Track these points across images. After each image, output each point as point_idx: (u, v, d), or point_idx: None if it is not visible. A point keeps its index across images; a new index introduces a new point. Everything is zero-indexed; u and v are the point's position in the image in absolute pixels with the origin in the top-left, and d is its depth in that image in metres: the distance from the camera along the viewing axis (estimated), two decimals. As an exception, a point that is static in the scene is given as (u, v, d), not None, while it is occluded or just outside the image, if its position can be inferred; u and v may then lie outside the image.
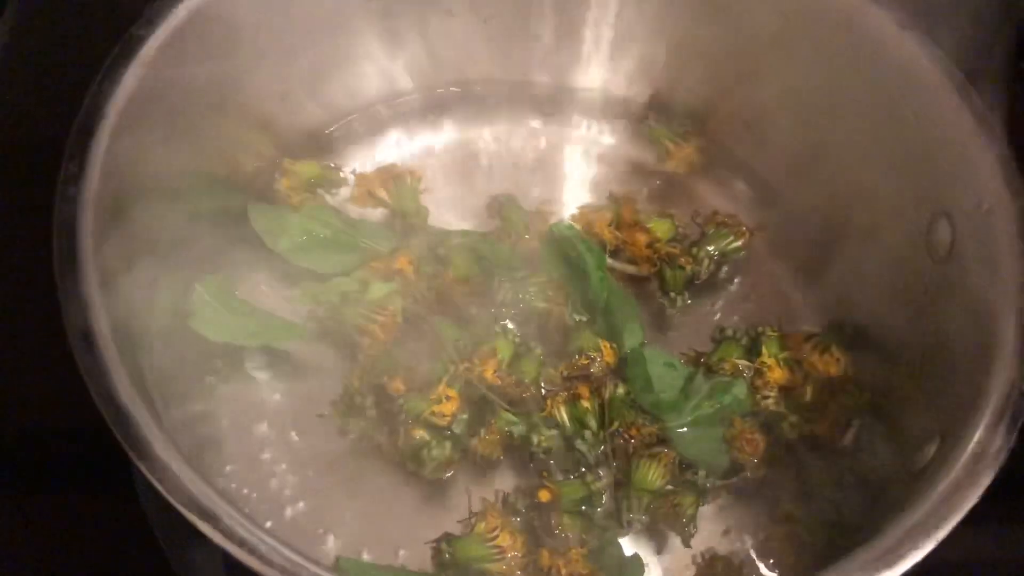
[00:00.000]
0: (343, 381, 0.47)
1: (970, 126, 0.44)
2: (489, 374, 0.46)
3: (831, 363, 0.48)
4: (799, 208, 0.54)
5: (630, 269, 0.52)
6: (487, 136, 0.57)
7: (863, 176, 0.50)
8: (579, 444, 0.46)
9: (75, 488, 0.47)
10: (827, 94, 0.50)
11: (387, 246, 0.51)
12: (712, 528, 0.46)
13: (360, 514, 0.45)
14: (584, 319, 0.49)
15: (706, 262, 0.52)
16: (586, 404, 0.46)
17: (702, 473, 0.46)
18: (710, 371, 0.48)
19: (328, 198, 0.53)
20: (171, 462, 0.34)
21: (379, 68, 0.56)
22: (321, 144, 0.55)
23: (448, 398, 0.45)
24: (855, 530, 0.43)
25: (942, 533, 0.34)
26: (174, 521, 0.39)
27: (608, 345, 0.48)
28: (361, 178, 0.53)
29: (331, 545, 0.44)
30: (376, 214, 0.53)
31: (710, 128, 0.56)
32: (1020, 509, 0.47)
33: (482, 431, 0.45)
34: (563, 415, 0.46)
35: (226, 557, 0.33)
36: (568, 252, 0.51)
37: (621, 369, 0.48)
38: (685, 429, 0.47)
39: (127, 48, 0.43)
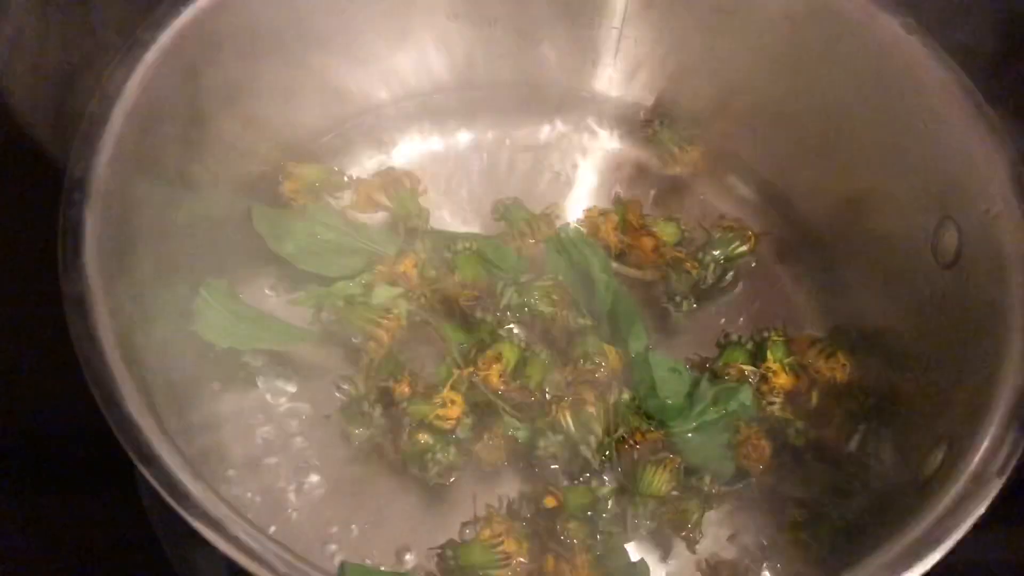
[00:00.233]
0: (347, 386, 0.47)
1: (978, 131, 0.44)
2: (494, 379, 0.46)
3: (837, 368, 0.48)
4: (805, 213, 0.54)
5: (635, 273, 0.52)
6: (492, 139, 0.57)
7: (870, 181, 0.50)
8: (584, 450, 0.45)
9: (78, 490, 0.47)
10: (834, 99, 0.50)
11: (392, 249, 0.51)
12: (718, 534, 0.46)
13: (364, 519, 0.45)
14: (589, 323, 0.49)
15: (712, 267, 0.52)
16: (591, 409, 0.46)
17: (707, 479, 0.45)
18: (715, 376, 0.48)
19: (332, 201, 0.53)
20: (176, 469, 0.33)
21: (385, 71, 0.55)
22: (326, 147, 0.55)
23: (452, 402, 0.44)
24: (861, 536, 0.43)
25: (949, 543, 0.34)
26: (177, 523, 0.39)
27: (613, 350, 0.48)
28: (360, 183, 0.53)
29: (335, 550, 0.44)
30: (380, 217, 0.53)
31: (715, 132, 0.56)
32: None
33: (486, 436, 0.45)
34: (568, 420, 0.46)
35: (229, 560, 0.33)
36: (573, 256, 0.51)
37: (626, 374, 0.48)
38: (690, 435, 0.47)
39: (132, 51, 0.43)
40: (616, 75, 0.58)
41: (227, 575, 0.41)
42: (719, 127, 0.56)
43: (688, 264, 0.51)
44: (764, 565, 0.45)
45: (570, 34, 0.56)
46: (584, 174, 0.57)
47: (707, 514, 0.45)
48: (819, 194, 0.53)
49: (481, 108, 0.58)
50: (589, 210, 0.54)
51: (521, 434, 0.45)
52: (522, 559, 0.42)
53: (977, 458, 0.36)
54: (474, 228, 0.53)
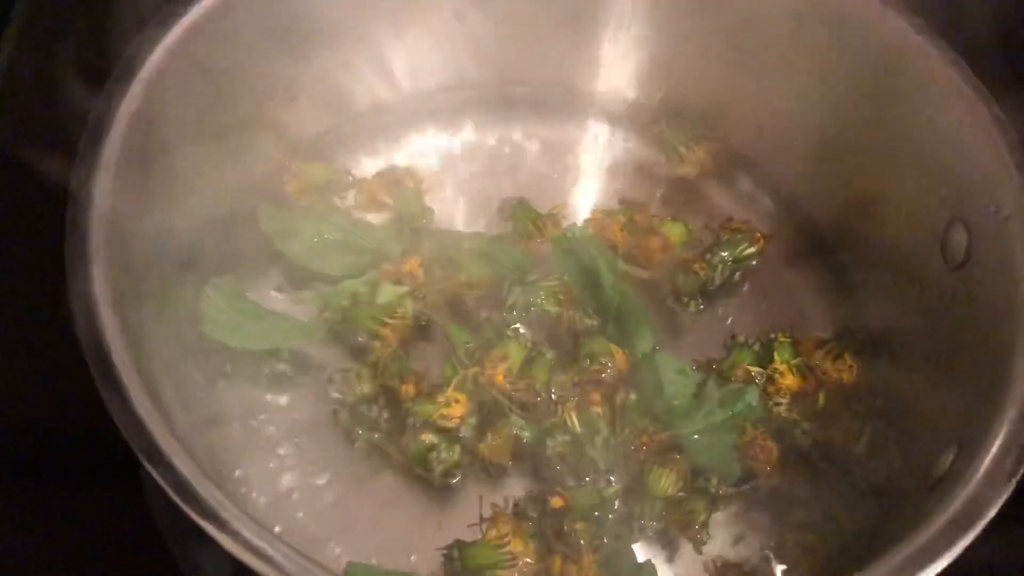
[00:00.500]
0: (352, 385, 0.46)
1: (988, 131, 0.43)
2: (500, 379, 0.46)
3: (844, 370, 0.48)
4: (812, 214, 0.54)
5: (643, 274, 0.52)
6: (499, 139, 0.57)
7: (878, 181, 0.50)
8: (590, 450, 0.45)
9: (82, 488, 0.46)
10: (841, 99, 0.50)
11: (398, 248, 0.51)
12: (725, 535, 0.46)
13: (370, 519, 0.45)
14: (596, 324, 0.49)
15: (719, 268, 0.51)
16: (597, 410, 0.46)
17: (714, 480, 0.45)
18: (722, 378, 0.48)
19: (337, 201, 0.53)
20: (183, 468, 0.33)
21: (391, 69, 0.55)
22: (331, 146, 0.55)
23: (456, 401, 0.44)
24: (869, 539, 0.42)
25: (960, 546, 0.34)
26: (182, 522, 0.39)
27: (620, 351, 0.48)
28: (362, 183, 0.53)
29: (340, 550, 0.44)
30: (385, 217, 0.53)
31: (723, 132, 0.56)
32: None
33: (490, 435, 0.45)
34: (574, 421, 0.46)
35: (234, 559, 0.33)
36: (580, 256, 0.51)
37: (633, 375, 0.48)
38: (697, 436, 0.47)
39: (138, 52, 0.43)
40: (623, 74, 0.57)
41: (232, 574, 0.41)
42: (727, 127, 0.56)
43: (695, 265, 0.51)
44: (771, 566, 0.45)
45: (576, 33, 0.56)
46: (590, 174, 0.57)
47: (714, 515, 0.45)
48: (827, 195, 0.53)
49: (487, 107, 0.57)
50: (596, 210, 0.54)
51: (526, 434, 0.45)
52: (528, 559, 0.42)
53: (988, 460, 0.36)
54: (480, 228, 0.53)
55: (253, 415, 0.47)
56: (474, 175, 0.56)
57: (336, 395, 0.46)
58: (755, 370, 0.48)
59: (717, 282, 0.52)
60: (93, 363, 0.35)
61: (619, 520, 0.45)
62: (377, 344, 0.47)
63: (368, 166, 0.55)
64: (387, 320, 0.47)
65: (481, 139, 0.57)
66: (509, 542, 0.42)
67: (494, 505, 0.44)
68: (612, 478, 0.45)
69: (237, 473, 0.45)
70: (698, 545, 0.44)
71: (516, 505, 0.45)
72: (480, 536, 0.43)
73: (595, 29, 0.56)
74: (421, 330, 0.49)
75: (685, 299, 0.51)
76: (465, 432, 0.45)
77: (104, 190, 0.39)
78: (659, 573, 0.44)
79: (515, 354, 0.47)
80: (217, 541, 0.33)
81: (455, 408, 0.44)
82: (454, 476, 0.45)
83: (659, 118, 0.57)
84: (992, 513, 0.35)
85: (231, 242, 0.49)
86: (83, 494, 0.46)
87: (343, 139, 0.56)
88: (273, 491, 0.45)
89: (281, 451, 0.46)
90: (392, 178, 0.53)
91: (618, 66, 0.57)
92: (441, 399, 0.44)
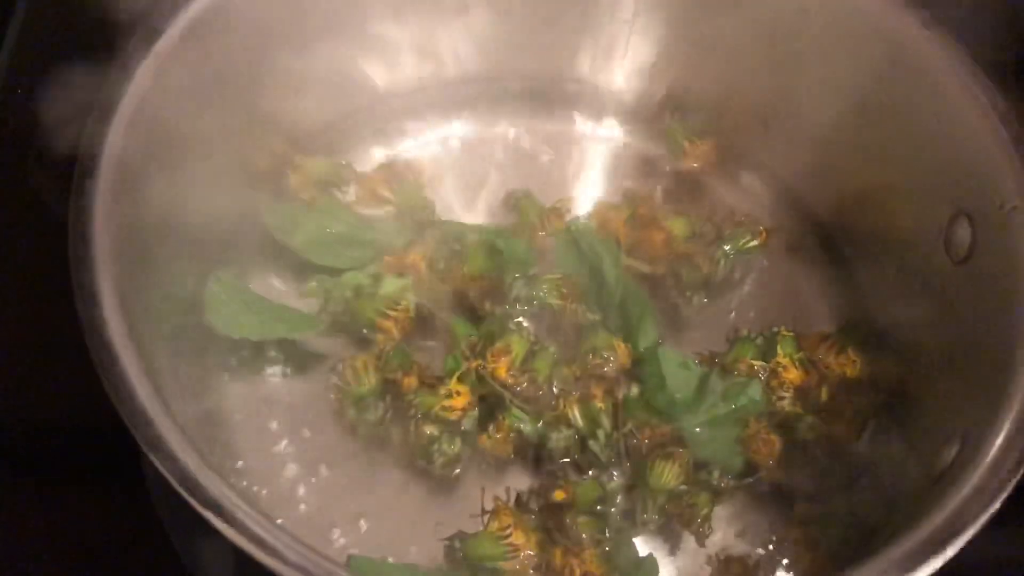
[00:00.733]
0: (354, 378, 0.46)
1: (992, 125, 0.43)
2: (502, 372, 0.45)
3: (847, 364, 0.48)
4: (816, 206, 0.54)
5: (646, 268, 0.52)
6: (502, 132, 0.57)
7: (882, 175, 0.50)
8: (592, 444, 0.45)
9: (85, 482, 0.47)
10: (846, 92, 0.50)
11: (401, 242, 0.51)
12: (727, 529, 0.46)
13: (372, 511, 0.45)
14: (598, 318, 0.49)
15: (722, 262, 0.51)
16: (599, 404, 0.46)
17: (717, 473, 0.45)
18: (725, 371, 0.48)
19: (338, 194, 0.53)
20: (186, 458, 0.33)
21: (394, 62, 0.55)
22: (334, 140, 0.55)
23: (458, 393, 0.44)
24: (872, 532, 0.42)
25: (964, 538, 0.34)
26: (184, 515, 0.39)
27: (622, 345, 0.48)
28: (363, 178, 0.53)
29: (342, 542, 0.44)
30: (388, 210, 0.53)
31: (726, 126, 0.56)
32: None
33: (492, 428, 0.45)
34: (576, 415, 0.46)
35: (236, 551, 0.33)
36: (584, 250, 0.50)
37: (635, 369, 0.48)
38: (699, 429, 0.47)
39: (142, 41, 0.43)
40: (627, 68, 0.57)
41: (234, 567, 0.41)
42: (730, 121, 0.55)
43: (698, 258, 0.51)
44: (774, 560, 0.45)
45: (581, 27, 0.56)
46: (594, 167, 0.57)
47: (716, 509, 0.45)
48: (830, 189, 0.53)
49: (491, 101, 0.57)
50: (599, 204, 0.54)
51: (528, 428, 0.45)
52: (530, 552, 0.42)
53: (992, 453, 0.36)
54: (484, 221, 0.53)
55: (255, 407, 0.47)
56: (476, 169, 0.56)
57: (338, 387, 0.46)
58: (758, 364, 0.48)
59: (720, 276, 0.52)
60: (96, 354, 0.35)
61: (621, 513, 0.45)
62: (379, 336, 0.47)
63: (369, 160, 0.55)
64: (389, 312, 0.47)
65: (484, 133, 0.57)
66: (511, 534, 0.42)
67: (496, 497, 0.44)
68: (614, 472, 0.45)
69: (239, 465, 0.45)
70: (700, 538, 0.44)
71: (518, 497, 0.45)
72: (482, 528, 0.43)
73: (599, 23, 0.56)
74: (423, 323, 0.49)
75: (688, 292, 0.51)
76: (467, 424, 0.44)
77: (108, 182, 0.39)
78: (661, 566, 0.44)
79: (518, 347, 0.46)
80: (220, 531, 0.33)
81: (457, 400, 0.44)
82: (456, 468, 0.45)
83: (663, 112, 0.57)
84: (996, 505, 0.34)
85: (234, 235, 0.49)
86: (86, 489, 0.46)
87: (345, 133, 0.56)
88: (275, 483, 0.45)
89: (283, 443, 0.46)
90: (393, 172, 0.53)
91: (622, 60, 0.57)
92: (443, 391, 0.44)
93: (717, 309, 0.52)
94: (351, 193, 0.53)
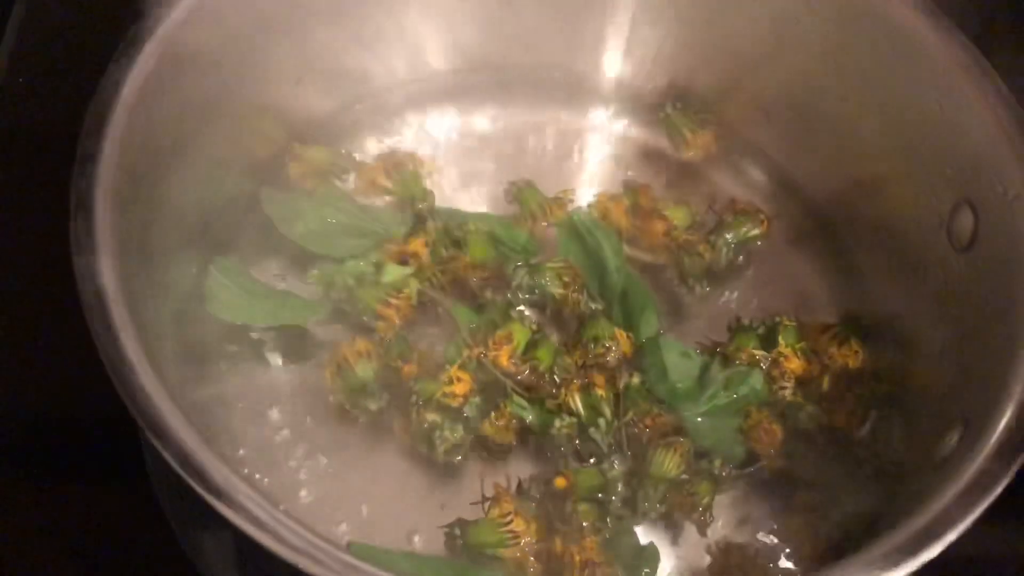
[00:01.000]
0: (355, 365, 0.46)
1: (995, 112, 0.43)
2: (504, 360, 0.45)
3: (849, 355, 0.48)
4: (818, 196, 0.54)
5: (647, 257, 0.52)
6: (503, 122, 0.57)
7: (884, 163, 0.50)
8: (593, 433, 0.45)
9: (87, 473, 0.47)
10: (847, 81, 0.50)
11: (402, 231, 0.51)
12: (728, 518, 0.46)
13: (373, 499, 0.45)
14: (600, 307, 0.49)
15: (724, 250, 0.51)
16: (601, 392, 0.46)
17: (718, 462, 0.45)
18: (726, 361, 0.48)
19: (338, 184, 0.52)
20: (188, 442, 0.33)
21: (393, 52, 0.55)
22: (334, 129, 0.55)
23: (459, 379, 0.44)
24: (873, 521, 0.42)
25: (967, 522, 0.34)
26: (186, 505, 0.39)
27: (624, 334, 0.48)
28: (362, 168, 0.52)
29: (344, 530, 0.44)
30: (388, 200, 0.53)
31: (728, 116, 0.56)
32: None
33: (493, 415, 0.45)
34: (577, 403, 0.46)
35: (237, 541, 0.32)
36: (585, 240, 0.50)
37: (637, 358, 0.48)
38: (700, 419, 0.47)
39: (144, 27, 0.43)
40: (628, 58, 0.57)
41: (236, 556, 0.41)
42: (732, 110, 0.55)
43: (700, 248, 0.51)
44: (775, 549, 0.45)
45: (582, 16, 0.56)
46: (595, 157, 0.57)
47: (718, 498, 0.45)
48: (832, 177, 0.53)
49: (492, 90, 0.57)
50: (600, 194, 0.53)
51: (527, 414, 0.45)
52: (531, 539, 0.42)
53: (994, 438, 0.36)
54: (485, 210, 0.53)
55: (256, 396, 0.47)
56: (477, 159, 0.56)
57: (339, 375, 0.46)
58: (759, 353, 0.48)
59: (722, 264, 0.52)
60: (98, 338, 0.35)
61: (622, 502, 0.44)
62: (380, 324, 0.47)
63: (370, 149, 0.55)
64: (391, 300, 0.47)
65: (484, 123, 0.57)
66: (511, 521, 0.42)
67: (497, 485, 0.44)
68: (615, 461, 0.45)
69: (240, 453, 0.45)
70: (702, 528, 0.44)
71: (519, 485, 0.45)
72: (482, 515, 0.43)
73: (600, 13, 0.56)
74: (425, 311, 0.49)
75: (689, 282, 0.51)
76: (468, 411, 0.44)
77: (108, 167, 0.39)
78: (662, 555, 0.44)
79: (519, 336, 0.46)
80: (222, 515, 0.33)
81: (458, 386, 0.44)
82: (458, 455, 0.45)
83: (665, 102, 0.56)
84: (999, 489, 0.34)
85: (235, 224, 0.49)
86: (87, 479, 0.46)
87: (345, 122, 0.55)
88: (277, 471, 0.45)
89: (284, 431, 0.46)
90: (393, 161, 0.53)
91: (623, 50, 0.57)
92: (444, 377, 0.44)
93: (718, 298, 0.52)
94: (351, 182, 0.53)
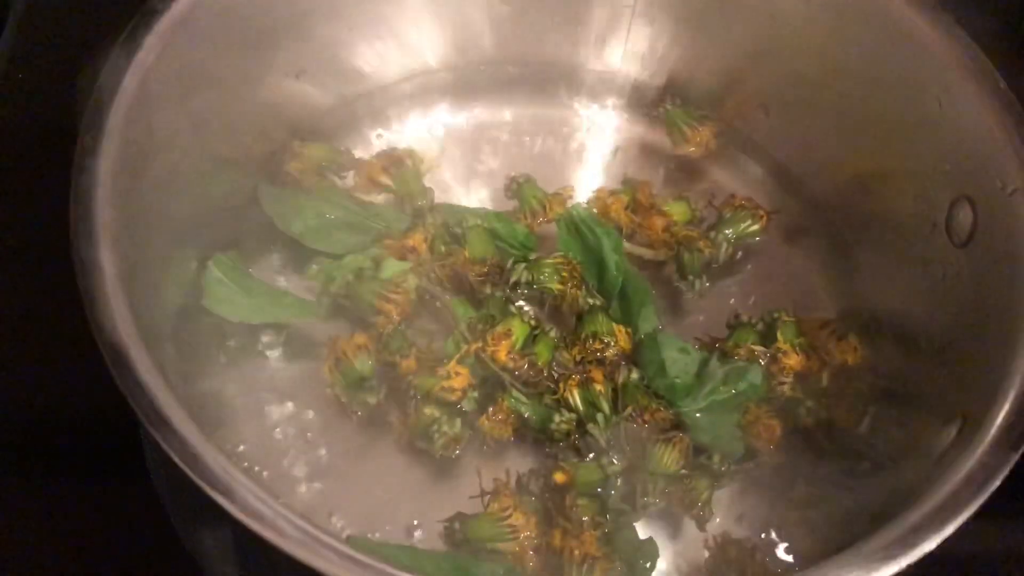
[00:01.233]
0: (354, 360, 0.46)
1: (994, 108, 0.43)
2: (502, 355, 0.46)
3: (848, 351, 0.48)
4: (816, 192, 0.54)
5: (646, 253, 0.52)
6: (503, 118, 0.57)
7: (883, 159, 0.50)
8: (592, 428, 0.45)
9: (87, 469, 0.47)
10: (847, 77, 0.50)
11: (400, 227, 0.51)
12: (727, 513, 0.46)
13: (372, 493, 0.45)
14: (599, 303, 0.49)
15: (724, 246, 0.51)
16: (599, 388, 0.46)
17: (717, 457, 0.45)
18: (725, 356, 0.48)
19: (337, 181, 0.52)
20: (188, 434, 0.33)
21: (394, 48, 0.55)
22: (333, 126, 0.55)
23: (458, 374, 0.44)
24: (871, 516, 0.42)
25: (965, 516, 0.34)
26: (186, 499, 0.39)
27: (622, 330, 0.48)
28: (361, 164, 0.52)
29: (342, 524, 0.44)
30: (386, 197, 0.53)
31: (726, 112, 0.56)
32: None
33: (491, 410, 0.45)
34: (576, 399, 0.46)
35: (236, 535, 0.33)
36: (585, 235, 0.50)
37: (635, 354, 0.48)
38: (699, 414, 0.47)
39: (144, 21, 0.43)
40: (628, 53, 0.57)
41: (235, 550, 0.42)
42: (731, 106, 0.56)
43: (699, 243, 0.51)
44: (773, 544, 0.45)
45: (581, 13, 0.56)
46: (595, 153, 0.57)
47: (716, 493, 0.45)
48: (831, 173, 0.53)
49: (492, 86, 0.57)
50: (599, 190, 0.54)
51: (525, 409, 0.45)
52: (530, 533, 0.42)
53: (992, 433, 0.36)
54: (484, 206, 0.53)
55: (255, 390, 0.47)
56: (476, 155, 0.56)
57: (338, 369, 0.46)
58: (758, 349, 0.48)
59: (721, 260, 0.52)
60: (98, 332, 0.35)
61: (621, 497, 0.44)
62: (379, 319, 0.47)
63: (370, 146, 0.55)
64: (390, 295, 0.47)
65: (483, 119, 0.57)
66: (511, 516, 0.42)
67: (496, 479, 0.44)
68: (614, 456, 0.45)
69: (240, 448, 0.45)
70: (700, 522, 0.44)
71: (519, 479, 0.45)
72: (482, 509, 0.43)
73: (600, 9, 0.56)
74: (424, 307, 0.49)
75: (688, 277, 0.51)
76: (467, 406, 0.44)
77: (108, 165, 0.39)
78: (661, 550, 0.44)
79: (518, 331, 0.46)
80: (223, 509, 0.33)
81: (457, 380, 0.44)
82: (456, 449, 0.45)
83: (664, 98, 0.57)
84: (997, 483, 0.34)
85: (232, 221, 0.49)
86: (88, 474, 0.46)
87: (344, 119, 0.56)
88: (275, 466, 0.45)
89: (283, 426, 0.46)
90: (392, 159, 0.53)
91: (623, 46, 0.57)
92: (442, 372, 0.44)
93: (717, 294, 0.52)
94: (350, 179, 0.53)
